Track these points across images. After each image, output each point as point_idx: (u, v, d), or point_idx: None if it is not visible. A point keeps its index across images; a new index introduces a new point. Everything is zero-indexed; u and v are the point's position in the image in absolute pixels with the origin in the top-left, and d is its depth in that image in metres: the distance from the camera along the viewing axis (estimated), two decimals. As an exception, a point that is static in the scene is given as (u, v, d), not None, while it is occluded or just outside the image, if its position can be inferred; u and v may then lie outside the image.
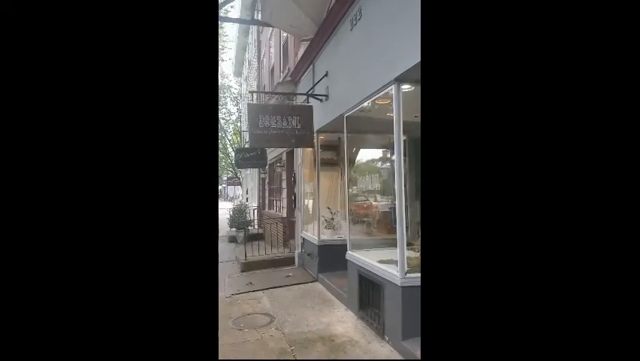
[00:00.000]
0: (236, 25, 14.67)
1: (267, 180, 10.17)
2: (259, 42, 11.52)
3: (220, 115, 17.63)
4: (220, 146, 18.57)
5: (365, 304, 3.47)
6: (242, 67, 16.99)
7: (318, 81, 4.79)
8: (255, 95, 10.49)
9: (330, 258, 4.99)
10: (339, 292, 4.19)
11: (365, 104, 3.53)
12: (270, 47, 9.72)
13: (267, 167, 9.67)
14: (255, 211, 10.80)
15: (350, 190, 4.60)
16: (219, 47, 13.71)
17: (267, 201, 10.27)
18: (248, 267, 5.89)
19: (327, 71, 4.62)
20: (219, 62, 15.16)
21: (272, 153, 8.64)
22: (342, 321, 3.50)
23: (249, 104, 4.47)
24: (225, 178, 24.24)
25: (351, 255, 3.82)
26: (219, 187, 41.59)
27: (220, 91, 16.96)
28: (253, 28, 12.71)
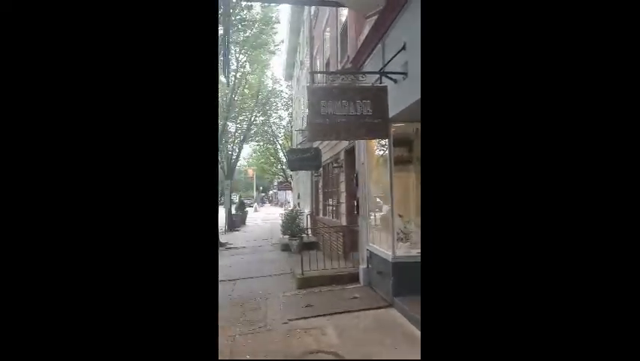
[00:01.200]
0: (286, 25, 14.29)
1: (320, 184, 9.38)
2: (312, 38, 10.89)
3: (271, 120, 17.48)
4: (272, 151, 18.59)
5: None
6: (292, 69, 16.61)
7: (393, 57, 3.86)
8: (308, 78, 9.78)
9: (407, 278, 4.00)
10: (427, 328, 3.18)
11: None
12: (324, 41, 8.99)
13: (320, 169, 8.91)
14: (308, 218, 10.07)
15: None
16: (272, 32, 13.29)
17: (320, 207, 9.46)
18: (305, 283, 5.07)
19: (404, 43, 3.68)
20: (271, 55, 14.85)
21: (327, 153, 7.84)
22: (444, 376, 2.49)
23: (309, 87, 3.67)
24: (276, 183, 24.12)
25: (450, 281, 2.81)
26: (270, 192, 42.27)
27: (271, 97, 16.73)
28: (304, 27, 12.17)
